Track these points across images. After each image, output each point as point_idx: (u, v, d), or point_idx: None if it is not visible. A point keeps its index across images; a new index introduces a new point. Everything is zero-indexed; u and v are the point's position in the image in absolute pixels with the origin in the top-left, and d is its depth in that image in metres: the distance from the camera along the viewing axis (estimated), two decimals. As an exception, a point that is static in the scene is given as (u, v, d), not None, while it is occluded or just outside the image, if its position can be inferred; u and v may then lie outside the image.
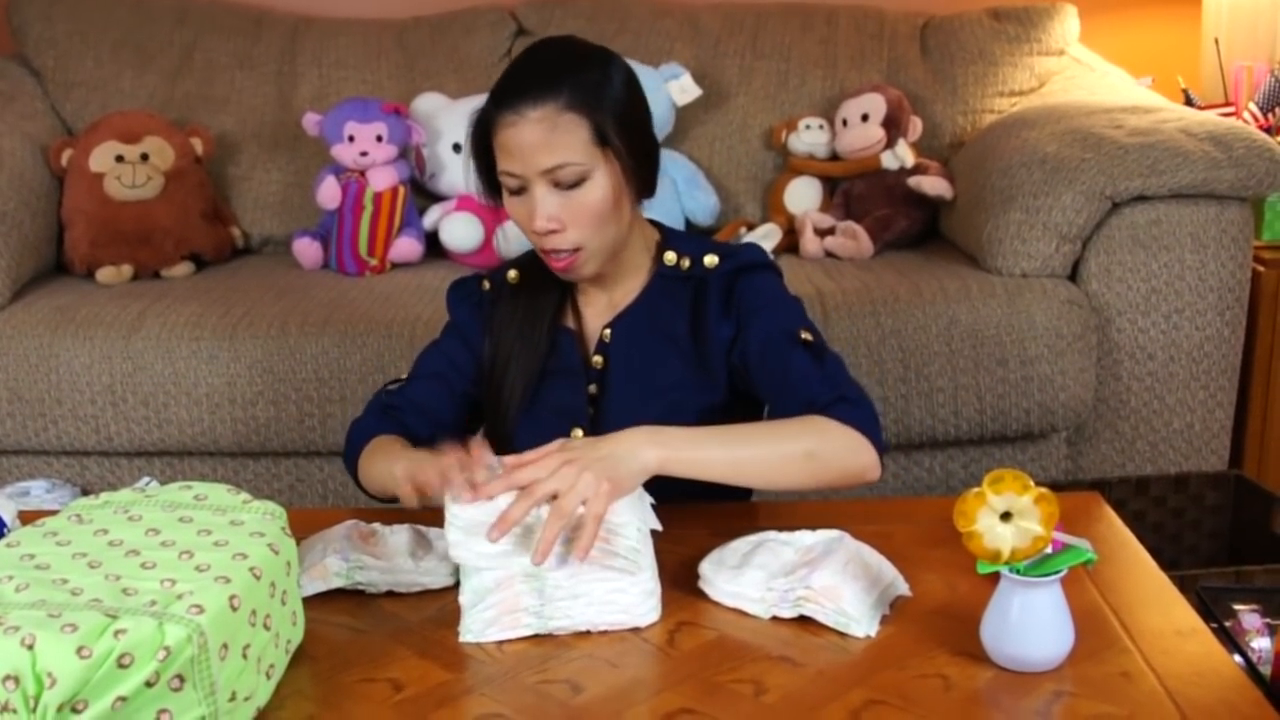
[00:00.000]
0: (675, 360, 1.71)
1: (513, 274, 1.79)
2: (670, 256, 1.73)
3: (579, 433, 1.68)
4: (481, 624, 1.42)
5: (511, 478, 1.41)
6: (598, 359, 1.73)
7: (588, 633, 1.42)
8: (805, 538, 1.51)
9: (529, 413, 1.73)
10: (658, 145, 1.72)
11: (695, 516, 1.60)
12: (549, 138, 1.58)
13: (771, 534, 1.53)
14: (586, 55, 1.67)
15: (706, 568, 1.49)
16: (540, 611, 1.42)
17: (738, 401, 1.70)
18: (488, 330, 1.78)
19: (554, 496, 1.38)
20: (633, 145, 1.64)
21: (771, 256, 1.77)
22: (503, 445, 1.70)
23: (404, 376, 1.81)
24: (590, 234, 1.63)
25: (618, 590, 1.42)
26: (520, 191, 1.62)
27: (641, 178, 1.67)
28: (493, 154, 1.64)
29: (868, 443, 1.55)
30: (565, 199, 1.60)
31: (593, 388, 1.73)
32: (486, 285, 1.81)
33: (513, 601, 1.41)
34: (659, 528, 1.47)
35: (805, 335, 1.64)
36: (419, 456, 1.56)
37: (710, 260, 1.71)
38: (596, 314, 1.76)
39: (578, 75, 1.61)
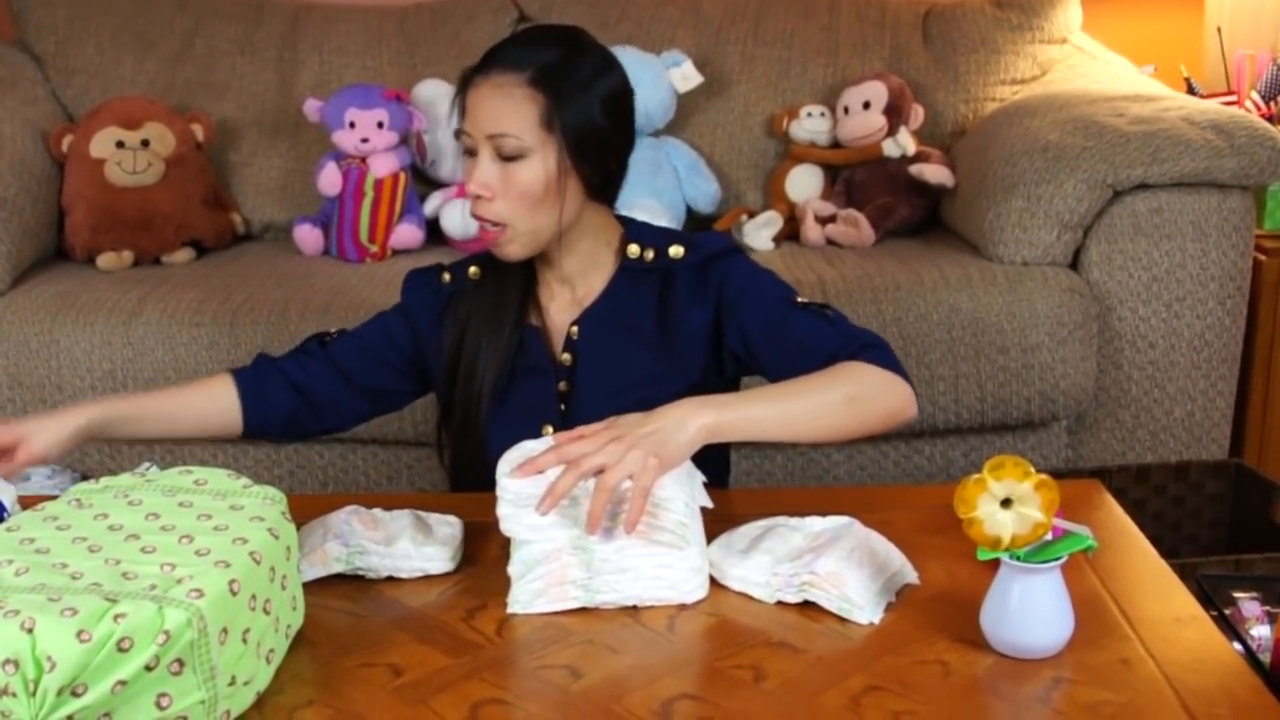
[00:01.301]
0: (644, 353, 1.71)
1: (474, 270, 1.79)
2: (634, 249, 1.73)
3: (549, 430, 1.68)
4: (529, 595, 1.43)
5: (560, 451, 1.43)
6: (566, 356, 1.74)
7: (635, 607, 1.43)
8: (815, 524, 1.51)
9: (499, 411, 1.73)
10: (622, 163, 1.72)
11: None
12: (500, 105, 1.61)
13: (782, 519, 1.53)
14: (578, 48, 1.68)
15: (715, 552, 1.49)
16: (588, 584, 1.43)
17: (711, 387, 1.70)
18: (446, 323, 1.78)
19: (600, 470, 1.40)
20: (583, 145, 1.64)
21: (731, 240, 1.79)
22: (473, 443, 1.71)
23: (341, 330, 1.86)
24: (516, 213, 1.64)
25: (665, 565, 1.43)
26: (471, 153, 1.65)
27: (591, 181, 1.67)
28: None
29: (901, 380, 1.57)
30: (502, 170, 1.62)
31: (562, 384, 1.74)
32: (447, 278, 1.81)
33: (560, 574, 1.43)
34: (709, 504, 1.48)
35: (799, 299, 1.67)
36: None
37: (676, 251, 1.72)
38: (561, 310, 1.75)
39: (554, 59, 1.63)
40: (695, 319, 1.70)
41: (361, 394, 1.82)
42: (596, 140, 1.66)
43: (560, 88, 1.62)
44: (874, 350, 1.58)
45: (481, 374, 1.73)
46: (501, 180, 1.62)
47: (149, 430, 1.70)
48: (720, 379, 1.74)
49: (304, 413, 1.79)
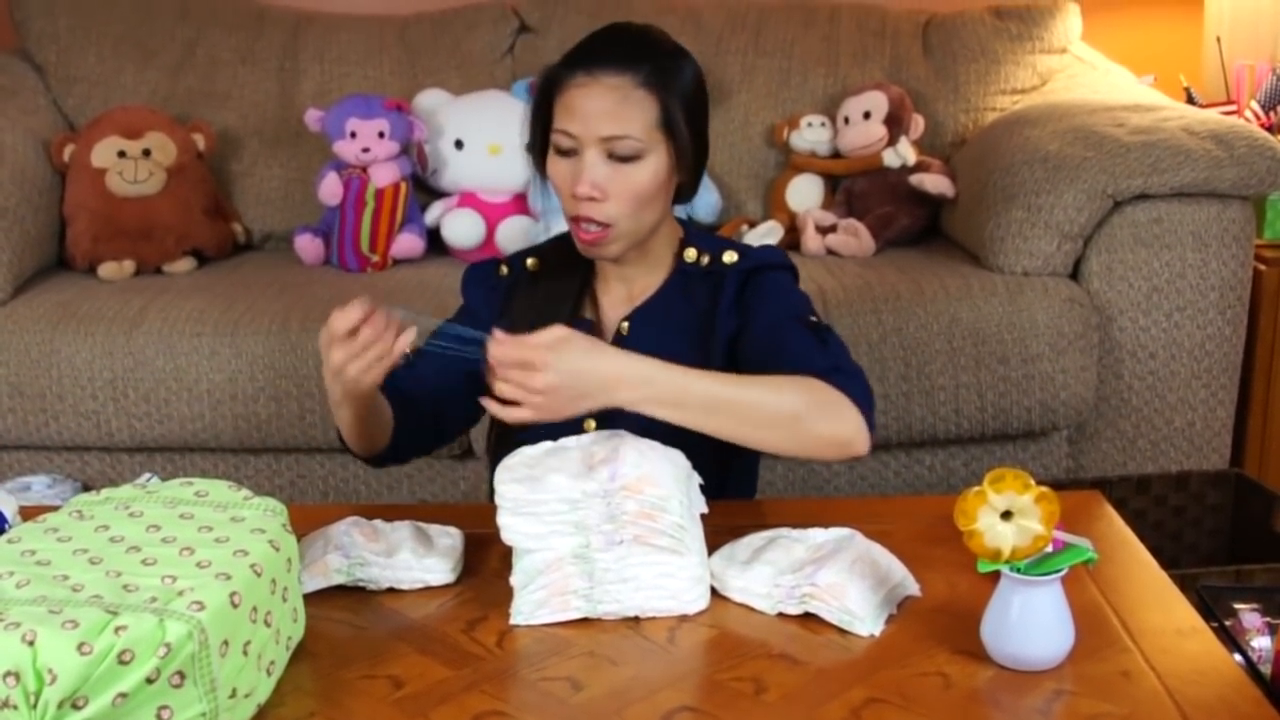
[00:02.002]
0: (687, 355, 1.70)
1: (531, 261, 1.80)
2: (691, 253, 1.74)
3: (592, 424, 1.68)
4: (531, 605, 1.43)
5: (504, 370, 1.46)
6: None
7: (636, 619, 1.43)
8: (817, 535, 1.51)
9: None
10: (708, 151, 1.73)
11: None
12: (618, 108, 1.61)
13: (784, 530, 1.54)
14: (668, 43, 1.70)
15: (716, 563, 1.49)
16: (589, 594, 1.43)
17: None
18: (503, 316, 1.77)
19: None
20: (693, 141, 1.67)
21: (787, 257, 1.78)
22: (514, 434, 1.69)
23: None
24: (626, 213, 1.64)
25: (666, 575, 1.44)
26: (570, 153, 1.64)
27: (690, 176, 1.70)
28: (551, 111, 1.66)
29: (858, 413, 1.52)
30: (614, 171, 1.62)
31: None
32: (504, 270, 1.82)
33: (562, 584, 1.43)
34: (704, 509, 1.48)
35: (811, 319, 1.66)
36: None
37: (729, 257, 1.73)
38: (614, 305, 1.76)
39: (660, 59, 1.65)
40: (728, 326, 1.70)
41: (456, 395, 1.75)
42: (698, 141, 1.69)
43: (671, 89, 1.63)
44: (845, 377, 1.55)
45: None
46: (612, 181, 1.62)
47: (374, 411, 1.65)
48: None
49: (424, 433, 1.76)
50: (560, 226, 2.18)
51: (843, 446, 1.53)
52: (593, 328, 1.76)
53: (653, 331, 1.72)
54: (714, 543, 1.51)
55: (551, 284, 1.77)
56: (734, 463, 1.74)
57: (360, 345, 1.49)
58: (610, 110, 1.61)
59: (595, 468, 1.42)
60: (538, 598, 1.43)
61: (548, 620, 1.43)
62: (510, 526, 1.43)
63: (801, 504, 1.73)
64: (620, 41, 1.67)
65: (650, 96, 1.62)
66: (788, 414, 1.51)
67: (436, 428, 1.79)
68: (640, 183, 1.63)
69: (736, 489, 1.77)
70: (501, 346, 1.46)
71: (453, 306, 2.72)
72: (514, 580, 1.45)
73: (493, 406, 1.48)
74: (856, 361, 1.63)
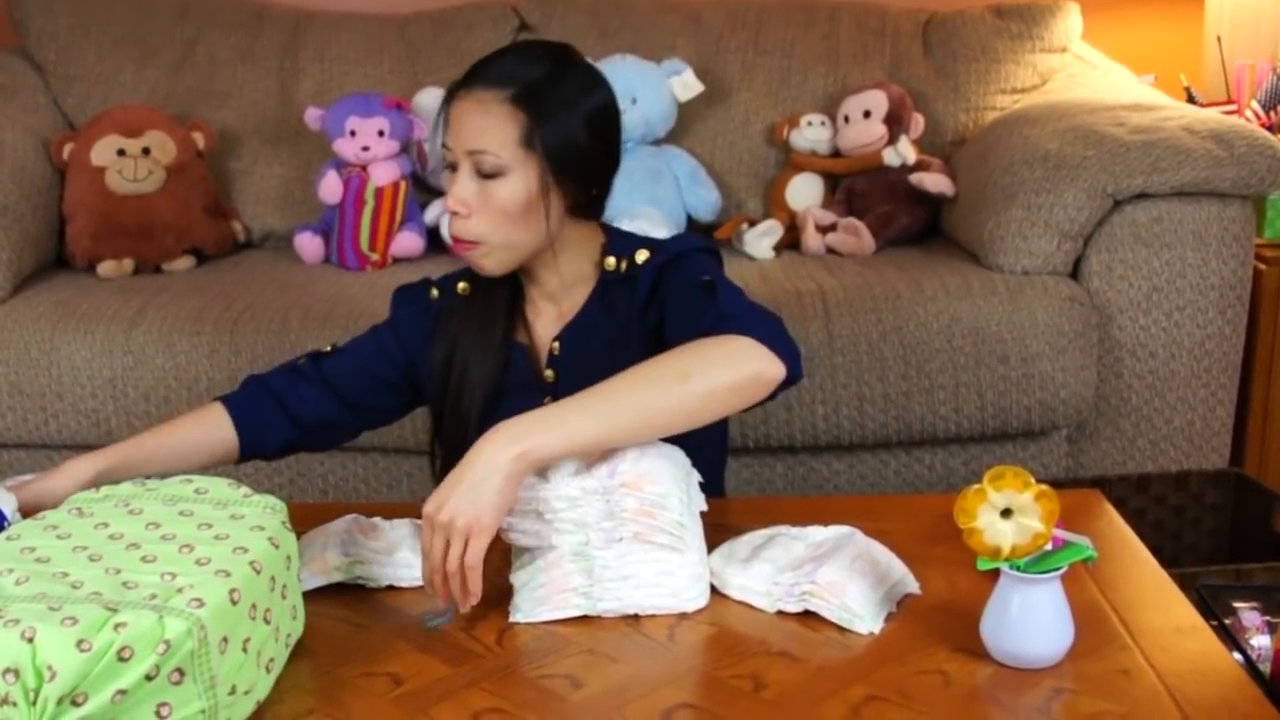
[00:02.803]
0: (616, 366, 1.69)
1: (462, 286, 1.78)
2: (610, 262, 1.71)
3: None
4: (532, 603, 1.44)
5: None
6: (549, 373, 1.73)
7: (636, 616, 1.44)
8: (817, 533, 1.52)
9: (487, 427, 1.72)
10: (606, 181, 1.71)
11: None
12: (481, 122, 1.60)
13: (783, 529, 1.54)
14: (563, 65, 1.66)
15: (716, 560, 1.49)
16: (589, 592, 1.43)
17: None
18: (435, 339, 1.77)
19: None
20: (565, 165, 1.63)
21: (707, 240, 1.75)
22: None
23: (337, 345, 1.82)
24: (492, 229, 1.63)
25: (665, 573, 1.44)
26: (452, 168, 1.64)
27: (573, 199, 1.66)
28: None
29: (754, 344, 1.46)
30: (480, 187, 1.62)
31: (547, 400, 1.71)
32: (435, 293, 1.81)
33: (562, 581, 1.43)
34: (704, 507, 1.47)
35: (704, 279, 1.61)
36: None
37: (641, 255, 1.69)
38: (545, 326, 1.75)
39: (539, 77, 1.62)
40: (649, 321, 1.67)
41: (355, 412, 1.80)
42: (579, 159, 1.65)
43: (542, 106, 1.61)
44: (732, 321, 1.50)
45: (470, 393, 1.73)
46: (479, 197, 1.62)
47: (154, 469, 1.62)
48: None
49: (297, 435, 1.77)
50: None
51: (753, 382, 1.46)
52: (526, 351, 1.75)
53: (583, 349, 1.71)
54: (713, 540, 1.51)
55: (484, 308, 1.75)
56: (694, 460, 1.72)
57: None
58: (474, 126, 1.60)
59: (595, 465, 1.43)
60: (538, 595, 1.43)
61: (547, 618, 1.43)
62: (509, 524, 1.44)
63: (801, 502, 1.73)
64: (504, 58, 1.66)
65: (515, 112, 1.60)
66: (673, 385, 1.44)
67: (310, 437, 1.81)
68: (502, 200, 1.61)
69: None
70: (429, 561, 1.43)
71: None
72: (513, 578, 1.45)
73: (467, 602, 1.43)
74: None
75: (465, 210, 1.62)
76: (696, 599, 1.45)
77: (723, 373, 1.46)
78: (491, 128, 1.60)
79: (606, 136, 1.69)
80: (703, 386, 1.45)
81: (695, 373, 1.45)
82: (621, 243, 1.74)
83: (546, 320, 1.75)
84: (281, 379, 1.78)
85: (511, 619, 1.44)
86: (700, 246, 1.72)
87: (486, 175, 1.61)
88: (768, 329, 1.49)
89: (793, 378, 1.49)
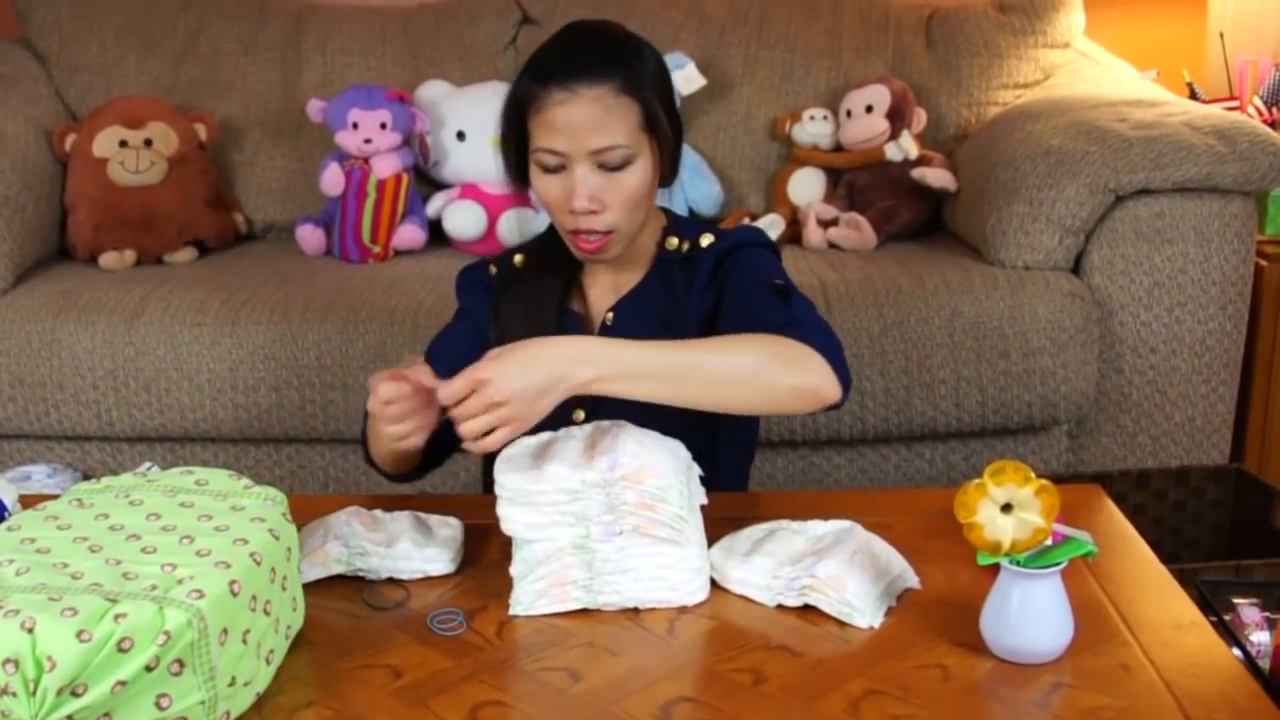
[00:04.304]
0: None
1: (519, 258, 1.80)
2: (672, 241, 1.75)
3: (581, 415, 1.69)
4: (531, 596, 1.44)
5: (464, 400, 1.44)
6: None
7: (636, 610, 1.44)
8: (817, 527, 1.52)
9: None
10: (683, 132, 1.74)
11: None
12: (603, 118, 1.60)
13: (784, 523, 1.54)
14: (630, 39, 1.69)
15: (716, 554, 1.50)
16: (589, 585, 1.44)
17: None
18: (494, 312, 1.78)
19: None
20: (673, 141, 1.67)
21: (771, 238, 1.78)
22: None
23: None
24: (625, 217, 1.65)
25: (665, 566, 1.44)
26: (557, 170, 1.63)
27: (672, 165, 1.70)
28: (525, 128, 1.64)
29: (822, 360, 1.50)
30: (607, 180, 1.62)
31: None
32: (493, 270, 1.82)
33: (562, 574, 1.43)
34: (704, 501, 1.48)
35: (776, 282, 1.64)
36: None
37: (706, 240, 1.73)
38: (601, 297, 1.77)
39: (630, 60, 1.64)
40: (704, 304, 1.70)
41: None
42: (676, 132, 1.69)
43: (646, 89, 1.63)
44: (805, 329, 1.53)
45: None
46: (607, 191, 1.62)
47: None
48: None
49: (442, 447, 1.75)
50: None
51: (811, 395, 1.50)
52: (580, 320, 1.77)
53: (635, 321, 1.73)
54: (713, 534, 1.51)
55: (539, 279, 1.77)
56: (722, 455, 1.74)
57: (398, 414, 1.50)
58: (596, 123, 1.60)
59: (595, 458, 1.43)
60: (537, 588, 1.44)
61: (547, 611, 1.44)
62: (510, 516, 1.44)
63: (801, 496, 1.73)
64: (588, 49, 1.65)
65: (631, 101, 1.61)
66: (748, 369, 1.49)
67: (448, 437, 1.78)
68: (634, 186, 1.63)
69: (727, 481, 1.76)
70: (447, 386, 1.45)
71: (454, 298, 2.73)
72: (514, 570, 1.45)
73: (473, 447, 1.46)
74: (856, 365, 1.62)
75: (599, 206, 1.63)
76: (696, 592, 1.45)
77: (790, 375, 1.49)
78: (615, 121, 1.60)
79: (673, 90, 1.72)
80: (770, 381, 1.49)
81: (768, 367, 1.49)
82: (683, 225, 1.78)
83: (602, 291, 1.77)
84: None
85: (511, 612, 1.44)
86: (763, 241, 1.75)
87: (613, 168, 1.62)
88: (835, 352, 1.53)
89: (838, 404, 1.53)
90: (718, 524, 1.52)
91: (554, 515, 1.42)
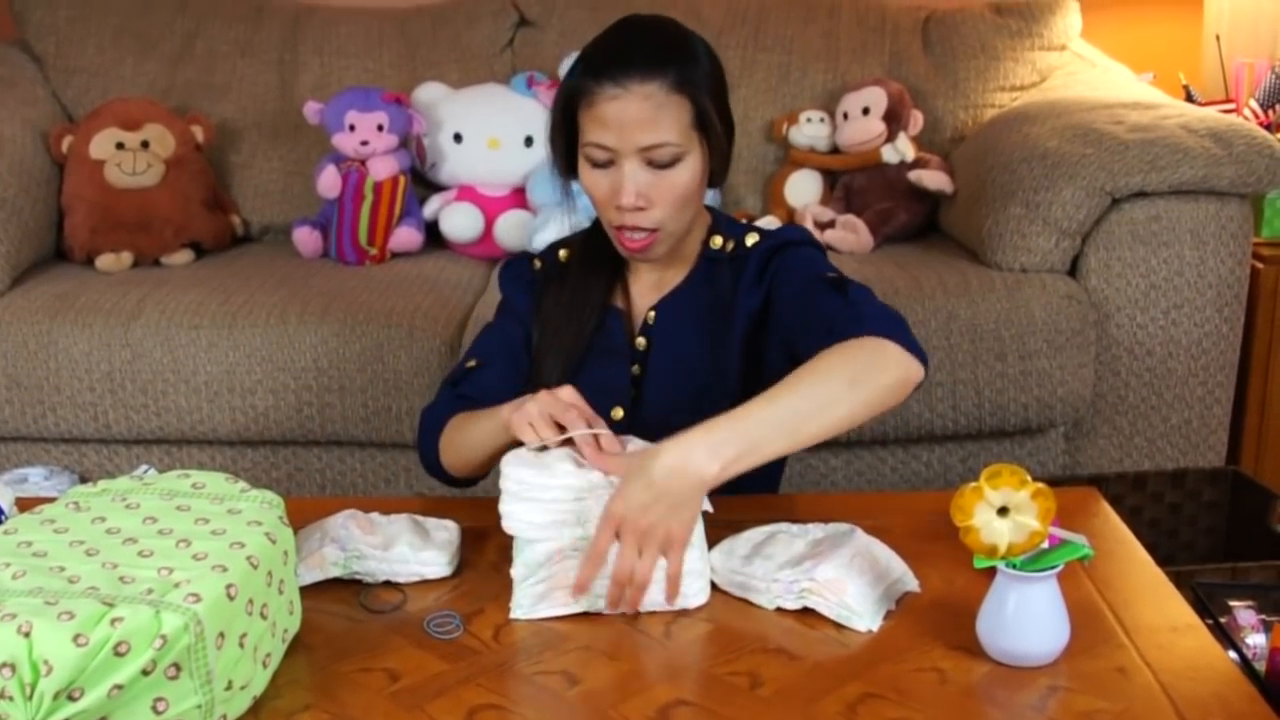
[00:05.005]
0: (707, 342, 1.72)
1: (564, 253, 1.80)
2: (716, 240, 1.74)
3: (619, 412, 1.69)
4: (532, 599, 1.44)
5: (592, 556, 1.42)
6: (641, 340, 1.74)
7: (637, 615, 1.44)
8: (817, 530, 1.52)
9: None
10: (734, 132, 1.73)
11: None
12: (654, 115, 1.59)
13: (784, 525, 1.54)
14: (685, 36, 1.68)
15: (716, 557, 1.50)
16: (590, 588, 1.43)
17: (750, 372, 1.70)
18: (538, 305, 1.78)
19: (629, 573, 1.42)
20: (723, 139, 1.67)
21: (811, 235, 1.78)
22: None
23: (470, 364, 1.78)
24: (672, 215, 1.64)
25: (666, 569, 1.43)
26: (606, 165, 1.63)
27: (723, 165, 1.70)
28: (575, 122, 1.64)
29: (898, 348, 1.49)
30: (656, 178, 1.62)
31: (635, 368, 1.74)
32: (538, 264, 1.82)
33: (564, 577, 1.43)
34: (709, 508, 1.47)
35: (830, 275, 1.64)
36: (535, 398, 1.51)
37: (751, 239, 1.73)
38: (643, 294, 1.77)
39: (683, 57, 1.63)
40: (750, 302, 1.70)
41: None
42: (728, 130, 1.69)
43: (701, 85, 1.62)
44: (872, 321, 1.52)
45: (555, 354, 1.73)
46: (655, 188, 1.62)
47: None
48: (760, 366, 1.70)
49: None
50: (556, 222, 2.19)
51: (902, 385, 1.50)
52: (622, 317, 1.76)
53: (678, 321, 1.73)
54: (713, 537, 1.51)
55: (583, 275, 1.77)
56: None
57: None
58: (646, 120, 1.59)
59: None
60: (538, 591, 1.43)
61: (548, 614, 1.43)
62: (512, 514, 1.43)
63: (798, 499, 1.73)
64: (642, 44, 1.64)
65: (683, 99, 1.61)
66: (841, 388, 1.46)
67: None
68: (682, 184, 1.63)
69: (754, 483, 1.75)
70: (593, 546, 1.42)
71: (451, 300, 2.73)
72: (515, 573, 1.44)
73: (662, 588, 1.44)
74: (881, 302, 1.60)
75: (646, 203, 1.62)
76: (697, 595, 1.45)
77: (881, 377, 1.48)
78: (666, 119, 1.60)
79: (727, 89, 1.71)
80: (868, 394, 1.47)
81: (861, 380, 1.47)
82: (729, 225, 1.77)
83: (645, 288, 1.77)
84: (463, 406, 1.73)
85: (512, 615, 1.44)
86: (808, 239, 1.75)
87: (662, 165, 1.61)
88: (904, 331, 1.53)
89: (925, 379, 1.53)
90: (715, 527, 1.52)
91: (557, 514, 1.42)
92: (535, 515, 1.42)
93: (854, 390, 1.46)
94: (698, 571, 1.45)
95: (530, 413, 1.47)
